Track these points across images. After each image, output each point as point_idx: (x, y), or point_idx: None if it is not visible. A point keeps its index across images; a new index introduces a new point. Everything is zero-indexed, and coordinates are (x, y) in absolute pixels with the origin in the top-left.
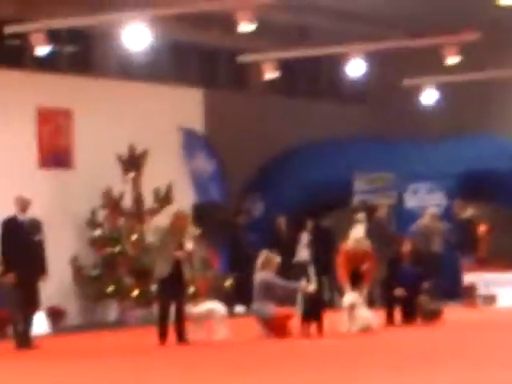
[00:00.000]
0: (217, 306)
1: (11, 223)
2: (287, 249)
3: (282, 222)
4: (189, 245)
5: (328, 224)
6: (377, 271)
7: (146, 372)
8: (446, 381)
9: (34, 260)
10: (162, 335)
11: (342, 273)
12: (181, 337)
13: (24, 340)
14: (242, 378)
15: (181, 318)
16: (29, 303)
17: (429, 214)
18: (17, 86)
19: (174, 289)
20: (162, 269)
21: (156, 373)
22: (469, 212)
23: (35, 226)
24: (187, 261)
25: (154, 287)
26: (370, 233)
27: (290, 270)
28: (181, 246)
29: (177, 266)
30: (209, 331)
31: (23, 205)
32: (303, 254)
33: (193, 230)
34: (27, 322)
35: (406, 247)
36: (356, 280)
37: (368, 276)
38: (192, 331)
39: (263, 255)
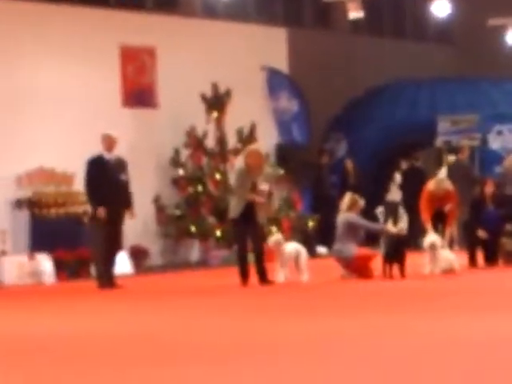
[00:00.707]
0: (301, 248)
1: (98, 162)
2: (355, 192)
3: (349, 164)
4: (263, 185)
5: (420, 165)
6: (459, 213)
7: (226, 313)
8: None
9: (120, 199)
10: (244, 276)
11: (424, 214)
12: (263, 277)
13: (107, 280)
14: (319, 319)
15: (260, 259)
16: (113, 242)
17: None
18: (101, 24)
19: (246, 229)
20: (234, 209)
21: (236, 314)
22: None
23: (121, 165)
24: (262, 202)
25: (230, 228)
26: (451, 174)
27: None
28: (255, 187)
29: (249, 207)
30: (293, 272)
31: (110, 143)
32: (395, 194)
33: (269, 170)
34: (111, 261)
35: (489, 189)
36: (439, 221)
37: (451, 217)
38: (280, 271)
39: (347, 197)
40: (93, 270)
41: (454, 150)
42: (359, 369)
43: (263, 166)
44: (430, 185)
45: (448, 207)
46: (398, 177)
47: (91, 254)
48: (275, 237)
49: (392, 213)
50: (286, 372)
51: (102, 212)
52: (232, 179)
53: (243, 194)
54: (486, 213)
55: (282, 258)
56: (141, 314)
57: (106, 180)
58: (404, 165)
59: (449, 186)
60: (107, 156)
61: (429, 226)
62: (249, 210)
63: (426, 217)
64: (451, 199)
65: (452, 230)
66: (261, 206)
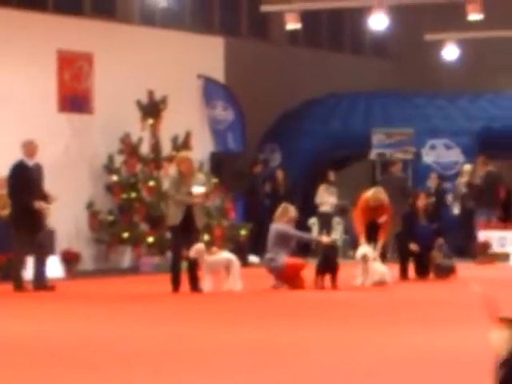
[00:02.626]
0: (233, 257)
1: (20, 167)
2: (285, 201)
3: (279, 174)
4: (198, 189)
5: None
6: (392, 225)
7: (156, 320)
8: (459, 335)
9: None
10: (175, 283)
11: (358, 225)
12: (194, 286)
13: (39, 282)
14: (250, 328)
15: (194, 267)
16: (37, 247)
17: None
18: (38, 29)
19: (185, 237)
20: (173, 216)
21: (166, 321)
22: (490, 167)
23: (40, 172)
24: (202, 203)
25: (168, 235)
26: (384, 187)
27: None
28: (190, 193)
29: (188, 214)
30: (223, 281)
31: (32, 149)
32: (327, 205)
33: (200, 176)
34: (41, 264)
35: (421, 202)
36: (372, 233)
37: (384, 229)
38: (206, 280)
39: (281, 206)
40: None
41: (387, 162)
42: (282, 378)
43: (194, 172)
44: (367, 195)
45: (382, 219)
46: (324, 188)
47: (14, 258)
48: (197, 246)
49: (325, 224)
50: (210, 378)
51: (39, 205)
52: (166, 186)
53: (182, 199)
54: (417, 226)
55: (205, 267)
56: (69, 319)
57: (29, 186)
58: (332, 176)
59: (385, 197)
60: (29, 162)
61: (362, 237)
62: (188, 217)
63: (359, 228)
64: (385, 211)
65: (385, 242)
66: (199, 212)
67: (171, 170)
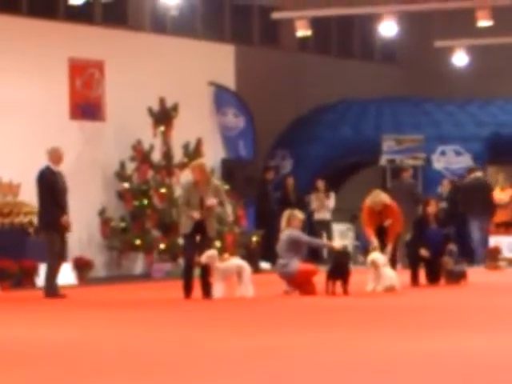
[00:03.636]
0: (244, 264)
1: (50, 173)
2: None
3: (289, 182)
4: (211, 200)
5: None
6: (402, 231)
7: (168, 326)
8: (471, 340)
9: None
10: (187, 290)
11: (367, 230)
12: (206, 292)
13: (55, 289)
14: (261, 334)
15: (205, 273)
16: (61, 252)
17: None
18: (50, 37)
19: (197, 244)
20: (185, 225)
21: (178, 327)
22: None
23: (64, 180)
24: (210, 216)
25: (180, 241)
26: (395, 193)
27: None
28: (202, 202)
29: (200, 222)
30: (235, 287)
31: (58, 157)
32: (325, 213)
33: (217, 183)
34: (57, 272)
35: (432, 209)
36: (380, 237)
37: (391, 232)
38: (218, 286)
39: (287, 213)
40: (39, 280)
41: (398, 169)
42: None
43: (209, 179)
44: (367, 200)
45: (388, 222)
46: (332, 198)
47: (47, 264)
48: (209, 252)
49: (324, 231)
50: None
51: (66, 220)
52: (179, 194)
53: (189, 211)
54: (428, 232)
55: (217, 274)
56: (81, 325)
57: (59, 191)
58: (320, 183)
59: (385, 198)
60: (55, 169)
61: (373, 239)
62: (200, 225)
63: (369, 232)
64: (391, 213)
65: (396, 247)
66: (211, 219)
67: (186, 177)
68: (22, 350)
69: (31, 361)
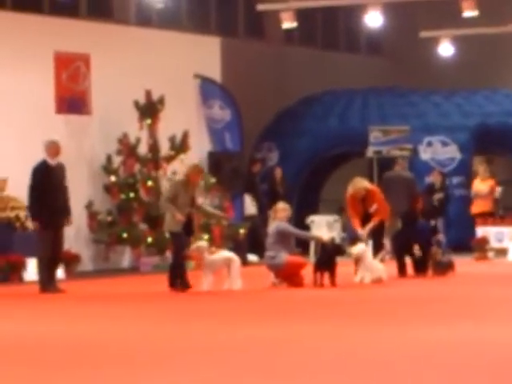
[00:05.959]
0: (234, 256)
1: (43, 168)
2: (284, 200)
3: (278, 173)
4: (200, 200)
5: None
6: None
7: (156, 319)
8: (460, 331)
9: (63, 205)
10: (174, 283)
11: (353, 221)
12: (183, 283)
13: (50, 284)
14: (249, 326)
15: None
16: (57, 248)
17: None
18: (35, 31)
19: (185, 241)
20: (173, 222)
21: (166, 320)
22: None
23: (62, 171)
24: (197, 215)
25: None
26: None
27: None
28: (193, 201)
29: (187, 222)
30: (224, 280)
31: (56, 149)
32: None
33: (202, 184)
34: (55, 267)
35: (420, 205)
36: (367, 224)
37: (377, 214)
38: (206, 279)
39: (276, 205)
40: (27, 274)
41: (387, 159)
42: (281, 375)
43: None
44: (349, 188)
45: (373, 208)
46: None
47: (38, 259)
48: (199, 243)
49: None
50: (210, 377)
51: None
52: (166, 189)
53: (181, 207)
54: (416, 224)
55: (205, 266)
56: (69, 319)
57: (52, 186)
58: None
59: (366, 184)
60: (51, 162)
61: (360, 232)
62: (187, 225)
63: (355, 223)
64: (373, 197)
65: (382, 234)
66: (197, 220)
67: (172, 170)
68: (10, 343)
69: (19, 354)
